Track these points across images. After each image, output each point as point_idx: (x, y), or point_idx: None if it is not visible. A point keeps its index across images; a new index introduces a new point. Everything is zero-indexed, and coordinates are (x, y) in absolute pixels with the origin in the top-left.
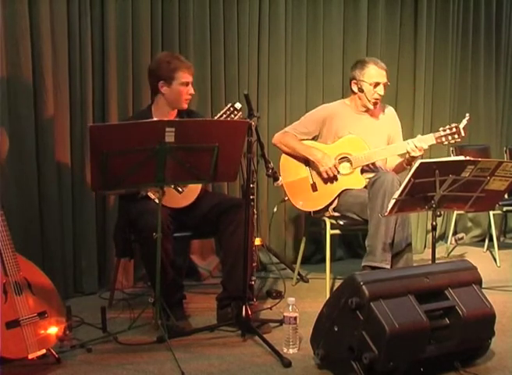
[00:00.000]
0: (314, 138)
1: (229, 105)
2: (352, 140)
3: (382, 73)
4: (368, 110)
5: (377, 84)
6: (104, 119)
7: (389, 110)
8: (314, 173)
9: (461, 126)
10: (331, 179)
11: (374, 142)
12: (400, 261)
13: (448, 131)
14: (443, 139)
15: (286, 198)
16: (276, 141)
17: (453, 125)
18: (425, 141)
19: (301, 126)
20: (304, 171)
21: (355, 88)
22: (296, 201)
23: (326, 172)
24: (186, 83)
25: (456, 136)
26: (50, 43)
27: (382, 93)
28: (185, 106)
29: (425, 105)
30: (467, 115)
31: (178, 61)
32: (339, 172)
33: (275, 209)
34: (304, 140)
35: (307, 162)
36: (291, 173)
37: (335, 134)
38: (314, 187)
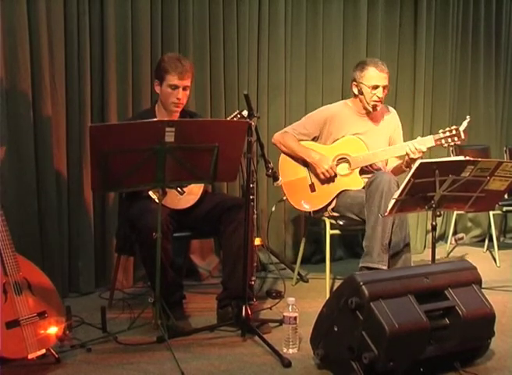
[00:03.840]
0: (314, 139)
1: (236, 112)
2: (351, 141)
3: (382, 75)
4: (369, 113)
5: (376, 87)
6: (104, 119)
7: (391, 112)
8: (312, 173)
9: (461, 128)
10: (329, 180)
11: (375, 145)
12: (398, 261)
13: (448, 134)
14: (443, 141)
15: (285, 198)
16: (276, 140)
17: (453, 127)
18: (424, 143)
19: (301, 126)
20: (303, 171)
21: (355, 90)
22: (294, 201)
23: (323, 174)
24: (175, 87)
25: (455, 138)
26: (47, 43)
27: (380, 95)
28: (173, 110)
29: (425, 105)
30: (468, 117)
31: (173, 63)
32: (336, 174)
33: (273, 209)
34: (303, 140)
35: (305, 162)
36: (290, 172)
37: (335, 135)
38: (312, 188)
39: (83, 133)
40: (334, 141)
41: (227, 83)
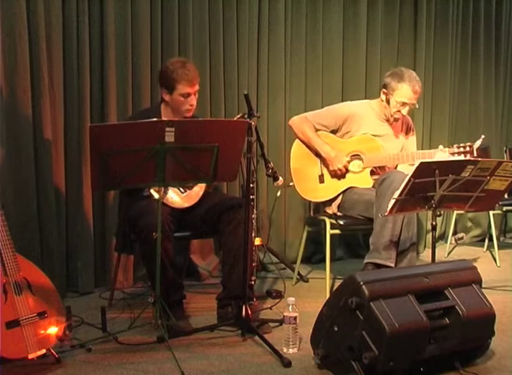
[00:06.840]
0: (332, 132)
1: (239, 115)
2: (369, 140)
3: (414, 96)
4: (389, 120)
5: (404, 104)
6: (103, 119)
7: (410, 122)
8: (324, 165)
9: (475, 146)
10: (339, 176)
11: (390, 150)
12: (403, 260)
13: (462, 149)
14: (456, 156)
15: (292, 184)
16: (293, 124)
17: (468, 144)
18: (440, 155)
19: (322, 117)
20: (314, 161)
21: (383, 97)
22: (301, 189)
23: (335, 171)
24: (187, 95)
25: (468, 155)
26: (45, 42)
27: (405, 113)
28: (187, 115)
29: (425, 105)
30: (483, 136)
31: (182, 71)
32: (348, 171)
33: (278, 194)
34: (321, 131)
35: (318, 153)
36: (301, 159)
37: (353, 133)
38: (321, 179)
39: (81, 133)
40: (351, 138)
41: (227, 83)
